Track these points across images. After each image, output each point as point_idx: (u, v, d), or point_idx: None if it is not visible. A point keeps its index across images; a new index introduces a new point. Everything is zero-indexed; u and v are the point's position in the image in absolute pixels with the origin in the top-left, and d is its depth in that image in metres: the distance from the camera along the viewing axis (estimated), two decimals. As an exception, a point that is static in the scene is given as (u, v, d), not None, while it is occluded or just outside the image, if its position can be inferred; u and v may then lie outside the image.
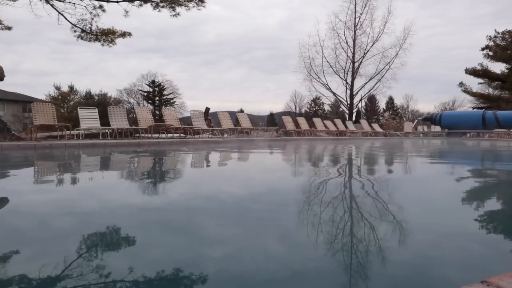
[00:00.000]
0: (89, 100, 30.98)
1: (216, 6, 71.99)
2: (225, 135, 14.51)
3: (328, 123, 19.38)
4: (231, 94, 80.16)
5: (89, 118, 10.75)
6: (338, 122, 20.10)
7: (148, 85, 46.15)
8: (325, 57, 28.78)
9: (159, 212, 2.32)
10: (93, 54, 71.59)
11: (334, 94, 30.16)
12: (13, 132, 11.79)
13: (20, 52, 62.95)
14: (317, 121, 18.99)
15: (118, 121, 11.21)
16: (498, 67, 30.84)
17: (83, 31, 12.60)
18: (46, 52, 65.87)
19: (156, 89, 45.95)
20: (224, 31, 77.72)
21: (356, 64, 28.96)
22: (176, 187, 3.56)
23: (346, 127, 20.02)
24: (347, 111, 30.94)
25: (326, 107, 48.93)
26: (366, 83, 29.41)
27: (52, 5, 11.52)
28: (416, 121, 26.60)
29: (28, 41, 64.82)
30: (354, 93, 29.51)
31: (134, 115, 15.26)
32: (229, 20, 71.87)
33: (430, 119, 22.48)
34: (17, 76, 62.39)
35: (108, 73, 70.51)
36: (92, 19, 12.28)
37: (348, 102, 29.83)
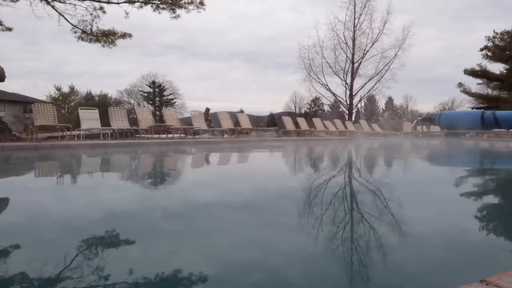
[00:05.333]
0: (89, 100, 30.97)
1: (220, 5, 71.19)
2: (225, 136, 14.54)
3: (328, 123, 19.39)
4: (231, 94, 79.95)
5: (89, 119, 10.77)
6: (338, 122, 20.11)
7: (148, 85, 46.12)
8: (324, 58, 28.80)
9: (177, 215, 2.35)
10: (95, 54, 71.31)
11: (334, 94, 30.19)
12: (14, 132, 11.81)
13: (22, 52, 62.62)
14: (316, 121, 19.01)
15: (119, 121, 11.23)
16: (497, 68, 30.85)
17: (83, 32, 12.63)
18: (48, 52, 65.57)
19: (157, 89, 45.91)
20: (227, 31, 76.92)
21: (356, 65, 28.96)
22: (177, 188, 3.59)
23: (345, 127, 20.03)
24: (346, 112, 30.95)
25: (326, 108, 48.94)
26: (365, 83, 29.41)
27: (52, 6, 11.54)
28: (415, 121, 26.61)
29: (30, 41, 64.51)
30: (353, 93, 29.54)
31: (135, 116, 15.28)
32: (233, 20, 71.02)
33: (429, 119, 22.51)
34: (18, 76, 62.22)
35: (112, 73, 70.09)
36: (93, 20, 12.30)
37: (348, 102, 29.85)
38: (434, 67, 70.35)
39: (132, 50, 67.86)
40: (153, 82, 45.81)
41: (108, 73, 65.74)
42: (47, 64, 61.79)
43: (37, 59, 63.41)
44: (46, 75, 61.98)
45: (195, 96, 74.20)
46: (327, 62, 28.75)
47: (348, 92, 29.52)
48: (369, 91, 30.27)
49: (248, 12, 65.59)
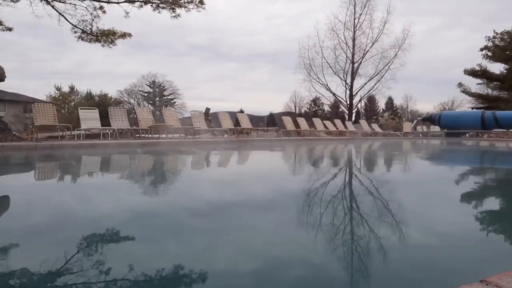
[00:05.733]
0: (89, 100, 30.90)
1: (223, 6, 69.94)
2: (225, 136, 14.53)
3: (328, 123, 19.39)
4: (232, 94, 79.61)
5: (89, 119, 10.77)
6: (338, 122, 20.11)
7: (148, 85, 46.13)
8: (324, 58, 28.85)
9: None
10: (117, 54, 70.89)
11: (334, 94, 30.26)
12: (14, 132, 11.80)
13: (23, 52, 62.37)
14: (316, 121, 19.01)
15: (119, 121, 11.23)
16: (497, 68, 30.85)
17: (83, 32, 12.62)
18: (48, 52, 65.28)
19: (157, 89, 45.92)
20: (257, 32, 75.27)
21: (356, 65, 29.03)
22: (177, 188, 3.59)
23: (345, 127, 20.04)
24: (346, 112, 31.00)
25: (326, 108, 48.98)
26: (365, 83, 29.49)
27: (52, 6, 11.53)
28: (415, 121, 26.63)
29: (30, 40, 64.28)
30: (353, 93, 29.59)
31: (135, 116, 15.29)
32: (267, 22, 69.49)
33: (429, 119, 22.51)
34: (18, 77, 62.06)
35: (132, 73, 69.65)
36: (93, 20, 12.30)
37: (348, 102, 29.90)
38: (456, 67, 69.79)
39: (158, 51, 66.81)
40: (153, 82, 45.82)
41: (127, 73, 65.66)
42: (70, 64, 61.22)
43: (60, 59, 62.94)
44: (70, 75, 61.64)
45: (207, 96, 73.07)
46: (327, 62, 28.84)
47: (348, 92, 29.58)
48: (369, 91, 30.33)
49: (283, 13, 63.86)
